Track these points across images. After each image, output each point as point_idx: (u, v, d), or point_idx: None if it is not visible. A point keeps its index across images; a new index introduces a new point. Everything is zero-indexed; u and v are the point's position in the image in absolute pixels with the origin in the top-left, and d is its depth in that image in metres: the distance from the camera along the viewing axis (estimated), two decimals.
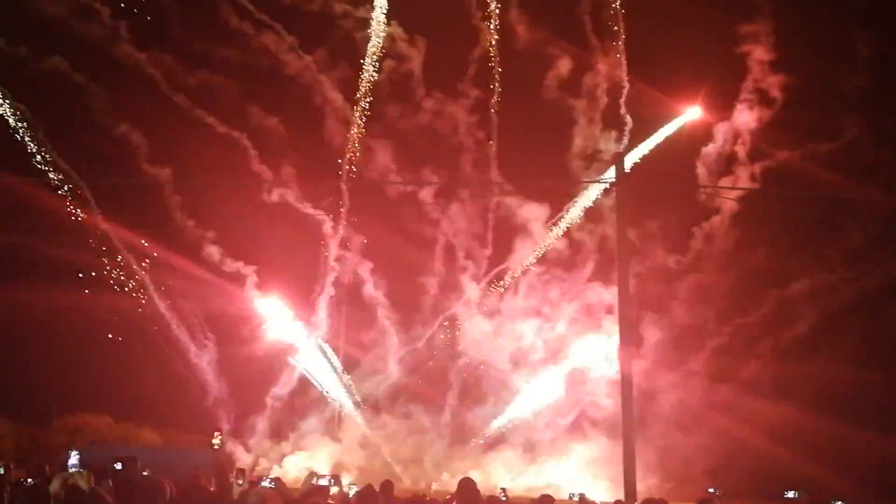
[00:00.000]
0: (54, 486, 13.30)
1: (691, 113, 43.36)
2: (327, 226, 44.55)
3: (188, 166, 43.96)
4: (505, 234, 45.24)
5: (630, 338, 24.17)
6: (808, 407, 40.29)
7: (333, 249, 44.73)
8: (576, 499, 33.86)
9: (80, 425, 43.85)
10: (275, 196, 43.43)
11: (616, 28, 44.13)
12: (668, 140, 44.57)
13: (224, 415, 43.56)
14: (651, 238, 43.90)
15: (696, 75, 43.50)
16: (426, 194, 44.50)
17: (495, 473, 42.55)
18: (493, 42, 44.59)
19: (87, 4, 41.09)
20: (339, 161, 44.94)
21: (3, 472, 21.05)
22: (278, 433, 44.76)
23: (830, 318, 42.75)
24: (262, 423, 44.25)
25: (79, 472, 14.36)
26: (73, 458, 27.04)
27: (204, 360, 43.41)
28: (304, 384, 45.14)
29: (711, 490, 33.26)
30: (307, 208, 44.21)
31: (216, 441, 36.97)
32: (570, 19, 44.35)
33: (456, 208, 45.13)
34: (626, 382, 23.43)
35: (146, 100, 42.09)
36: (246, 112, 43.60)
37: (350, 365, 45.23)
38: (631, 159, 41.66)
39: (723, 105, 44.44)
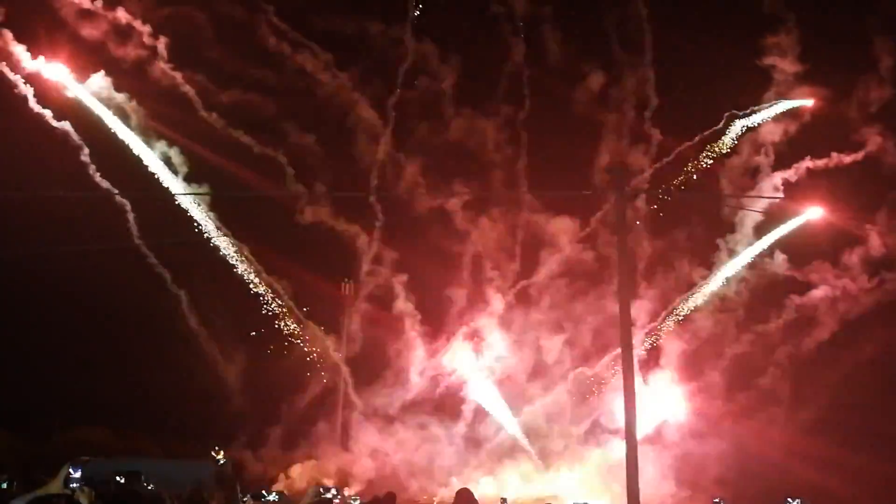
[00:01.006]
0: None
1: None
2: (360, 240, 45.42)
3: (225, 183, 44.57)
4: (532, 248, 45.99)
5: (630, 344, 24.72)
6: (824, 415, 40.59)
7: (366, 264, 45.69)
8: None
9: (83, 439, 44.55)
10: (309, 213, 44.45)
11: (643, 43, 44.82)
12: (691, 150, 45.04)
13: (241, 426, 44.59)
14: (675, 250, 44.50)
15: (722, 88, 44.38)
16: (456, 207, 45.15)
17: (508, 481, 42.99)
18: (523, 58, 45.47)
19: (125, 25, 42.45)
20: (371, 177, 45.73)
21: (5, 486, 21.63)
22: (291, 442, 45.21)
23: (850, 326, 43.05)
24: (276, 433, 44.92)
25: (80, 488, 14.87)
26: (76, 473, 27.68)
27: (231, 372, 43.90)
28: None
29: (717, 500, 33.64)
30: (341, 224, 45.25)
31: (220, 458, 37.39)
32: (598, 35, 45.57)
33: (484, 222, 45.70)
34: (628, 389, 24.03)
35: (182, 118, 43.29)
36: (282, 130, 44.77)
37: (370, 376, 45.65)
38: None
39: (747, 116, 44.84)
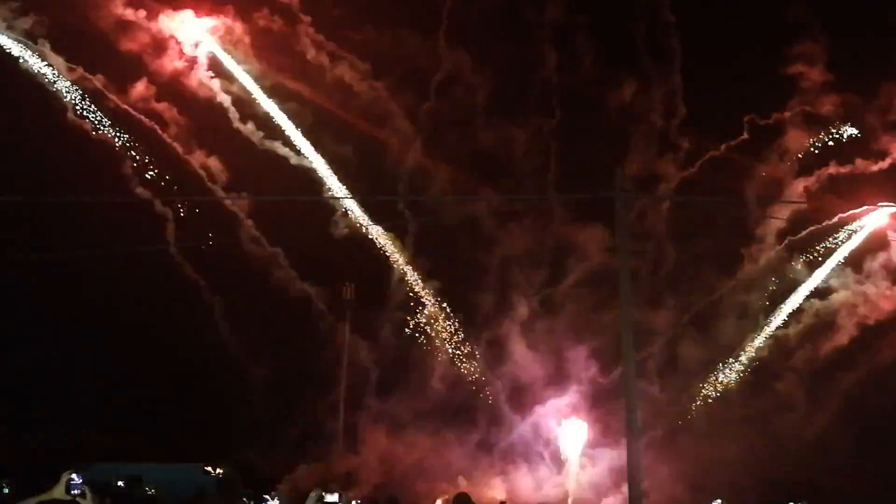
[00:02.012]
0: None
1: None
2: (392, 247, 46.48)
3: (261, 192, 46.18)
4: (561, 256, 46.87)
5: (631, 345, 25.31)
6: (839, 420, 41.33)
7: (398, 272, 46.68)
8: None
9: (86, 443, 45.56)
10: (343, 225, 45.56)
11: (671, 51, 45.51)
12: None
13: (258, 430, 45.78)
14: (697, 257, 45.18)
15: (747, 96, 45.05)
16: (484, 215, 46.34)
17: (520, 483, 43.79)
18: (555, 67, 46.33)
19: (164, 36, 43.63)
20: (402, 185, 46.66)
21: (6, 490, 22.34)
22: (303, 444, 46.24)
23: (869, 330, 43.71)
24: (291, 434, 46.09)
25: (82, 493, 15.51)
26: (77, 479, 28.47)
27: (256, 377, 45.36)
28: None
29: (718, 502, 34.18)
30: (375, 233, 46.32)
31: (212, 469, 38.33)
32: (628, 43, 46.12)
33: (513, 229, 46.83)
34: (628, 390, 24.61)
35: (220, 128, 44.45)
36: (318, 141, 45.56)
37: (390, 383, 46.74)
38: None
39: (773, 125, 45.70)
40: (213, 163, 44.62)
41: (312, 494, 22.46)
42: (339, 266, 46.37)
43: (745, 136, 45.56)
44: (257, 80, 44.77)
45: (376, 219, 46.13)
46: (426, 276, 46.84)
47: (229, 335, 45.14)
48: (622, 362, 25.30)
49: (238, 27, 44.53)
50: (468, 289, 46.83)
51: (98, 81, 43.16)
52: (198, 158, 44.69)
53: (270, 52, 45.05)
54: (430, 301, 46.58)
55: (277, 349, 45.65)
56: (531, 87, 47.18)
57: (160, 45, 43.78)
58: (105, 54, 43.18)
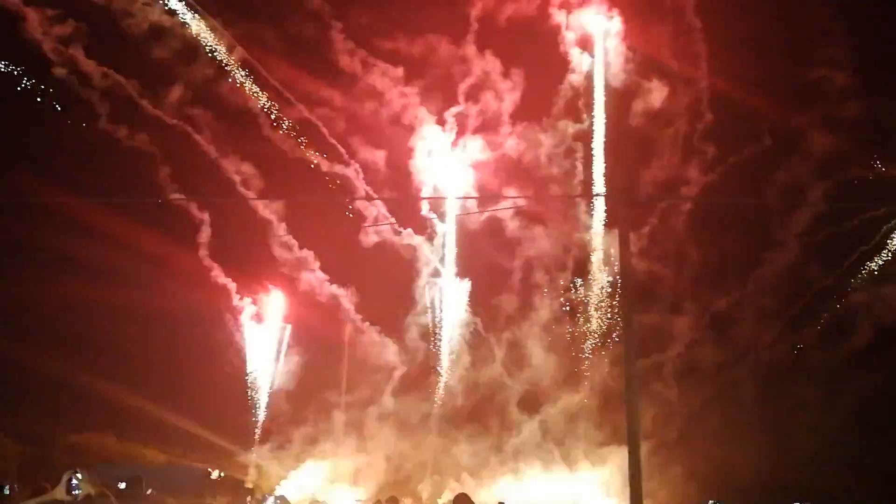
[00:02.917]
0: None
1: None
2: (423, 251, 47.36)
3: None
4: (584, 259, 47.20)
5: (634, 346, 25.76)
6: (853, 422, 41.78)
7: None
8: None
9: (85, 445, 46.25)
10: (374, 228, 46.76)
11: (697, 56, 45.97)
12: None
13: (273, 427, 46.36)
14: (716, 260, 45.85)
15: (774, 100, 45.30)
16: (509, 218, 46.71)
17: (529, 482, 44.38)
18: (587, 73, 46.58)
19: (196, 42, 44.66)
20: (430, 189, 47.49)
21: (8, 492, 22.95)
22: (312, 441, 46.90)
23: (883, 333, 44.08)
24: (301, 432, 46.61)
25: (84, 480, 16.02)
26: (75, 481, 29.28)
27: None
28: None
29: (711, 503, 34.53)
30: (406, 237, 47.20)
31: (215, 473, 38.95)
32: (654, 48, 46.24)
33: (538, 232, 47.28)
34: (630, 390, 25.05)
35: (253, 134, 45.78)
36: (350, 147, 46.78)
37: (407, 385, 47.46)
38: None
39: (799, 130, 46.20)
40: (246, 168, 45.73)
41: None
42: (367, 270, 47.25)
43: (769, 141, 45.96)
44: (289, 85, 45.79)
45: (404, 223, 47.19)
46: (451, 279, 47.40)
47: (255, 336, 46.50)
48: (624, 365, 25.71)
49: (270, 33, 45.74)
50: (491, 291, 47.49)
51: (132, 87, 44.44)
52: (231, 164, 45.81)
53: (302, 57, 46.23)
54: (454, 304, 47.13)
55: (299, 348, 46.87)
56: (558, 91, 47.32)
57: (193, 50, 44.83)
58: (139, 60, 44.44)
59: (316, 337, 47.46)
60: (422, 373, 47.16)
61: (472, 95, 47.20)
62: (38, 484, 24.33)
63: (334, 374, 47.32)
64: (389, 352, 47.17)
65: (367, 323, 47.35)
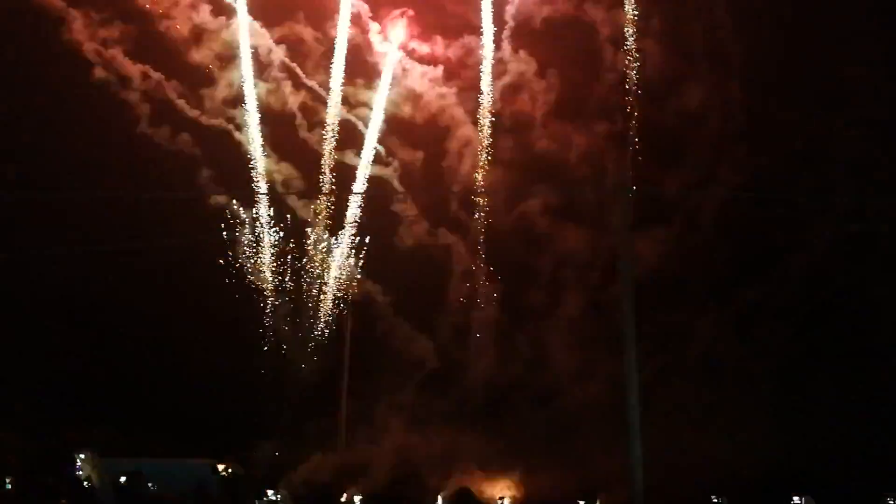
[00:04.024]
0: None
1: None
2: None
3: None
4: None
5: (633, 344, 26.30)
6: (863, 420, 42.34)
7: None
8: None
9: (90, 439, 46.81)
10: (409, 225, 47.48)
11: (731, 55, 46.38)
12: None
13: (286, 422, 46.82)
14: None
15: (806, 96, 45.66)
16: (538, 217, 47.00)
17: (540, 476, 45.01)
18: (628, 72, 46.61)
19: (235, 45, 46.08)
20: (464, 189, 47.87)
21: (9, 487, 23.51)
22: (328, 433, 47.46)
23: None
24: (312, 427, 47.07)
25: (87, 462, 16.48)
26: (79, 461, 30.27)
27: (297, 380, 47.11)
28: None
29: (716, 500, 35.00)
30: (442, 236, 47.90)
31: (221, 467, 39.59)
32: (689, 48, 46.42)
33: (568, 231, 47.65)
34: (630, 389, 25.63)
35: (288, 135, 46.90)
36: (387, 147, 47.63)
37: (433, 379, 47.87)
38: None
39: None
40: (285, 169, 46.80)
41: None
42: (403, 267, 47.37)
43: (800, 143, 46.39)
44: (328, 87, 46.50)
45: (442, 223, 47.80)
46: (482, 278, 47.67)
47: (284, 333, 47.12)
48: (623, 361, 26.28)
49: (309, 34, 46.55)
50: (520, 289, 47.37)
51: (172, 89, 45.66)
52: (270, 165, 46.77)
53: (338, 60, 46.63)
54: (485, 302, 47.56)
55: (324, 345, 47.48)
56: (592, 91, 47.58)
57: (233, 53, 45.94)
58: (178, 63, 45.72)
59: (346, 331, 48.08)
60: (448, 368, 47.37)
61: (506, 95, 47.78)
62: (40, 479, 24.94)
63: (362, 366, 47.81)
64: (419, 347, 47.44)
65: (401, 318, 47.64)
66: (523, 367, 46.62)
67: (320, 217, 46.76)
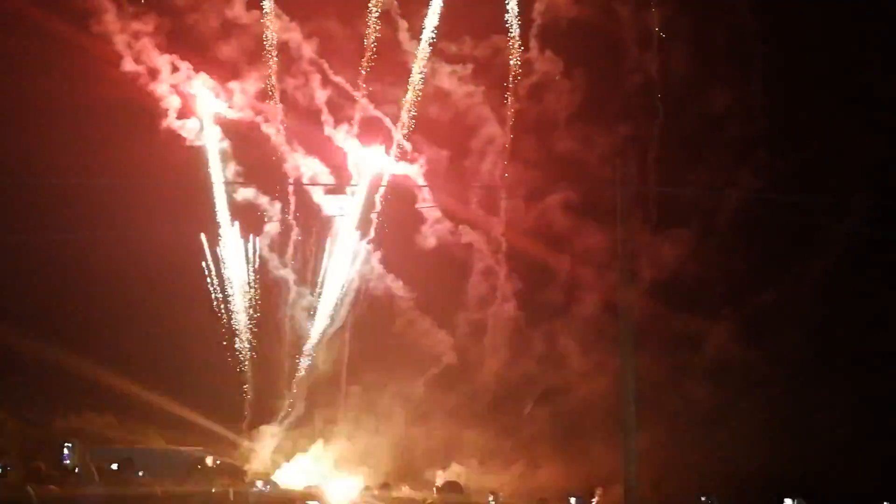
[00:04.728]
0: None
1: None
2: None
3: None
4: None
5: (630, 340, 26.39)
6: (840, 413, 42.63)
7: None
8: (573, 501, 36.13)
9: (86, 425, 47.43)
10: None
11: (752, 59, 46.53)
12: None
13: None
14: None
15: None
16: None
17: (540, 470, 45.31)
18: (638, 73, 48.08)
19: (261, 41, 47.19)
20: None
21: (1, 471, 23.83)
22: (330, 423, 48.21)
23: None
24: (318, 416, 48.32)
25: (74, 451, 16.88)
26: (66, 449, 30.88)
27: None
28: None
29: (703, 499, 35.10)
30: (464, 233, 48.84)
31: (209, 459, 40.01)
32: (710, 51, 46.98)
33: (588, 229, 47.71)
34: (624, 386, 25.73)
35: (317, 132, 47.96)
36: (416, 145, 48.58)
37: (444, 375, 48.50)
38: None
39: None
40: (312, 165, 47.97)
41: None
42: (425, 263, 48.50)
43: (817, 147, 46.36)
44: (356, 84, 47.58)
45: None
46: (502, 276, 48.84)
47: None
48: (620, 358, 26.36)
49: (338, 30, 47.47)
50: (537, 287, 48.41)
51: (202, 82, 46.78)
52: (296, 161, 48.00)
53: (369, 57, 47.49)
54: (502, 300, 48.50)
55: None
56: (614, 93, 48.63)
57: (259, 47, 47.06)
58: (206, 56, 46.88)
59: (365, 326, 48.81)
60: (460, 363, 48.16)
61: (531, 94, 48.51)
62: (33, 464, 25.26)
63: (375, 359, 48.30)
64: (435, 341, 48.22)
65: (420, 313, 48.41)
66: (534, 364, 47.43)
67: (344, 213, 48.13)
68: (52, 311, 46.59)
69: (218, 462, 38.89)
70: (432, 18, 46.85)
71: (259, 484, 27.59)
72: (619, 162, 27.57)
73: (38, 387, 46.03)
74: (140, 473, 22.81)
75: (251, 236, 47.68)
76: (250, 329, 47.84)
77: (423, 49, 47.33)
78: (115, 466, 21.60)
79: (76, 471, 18.00)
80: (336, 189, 48.88)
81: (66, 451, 31.34)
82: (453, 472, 44.02)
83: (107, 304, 47.15)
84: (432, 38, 47.12)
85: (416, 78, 47.46)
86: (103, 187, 42.61)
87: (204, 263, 47.24)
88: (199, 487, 19.42)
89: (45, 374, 45.65)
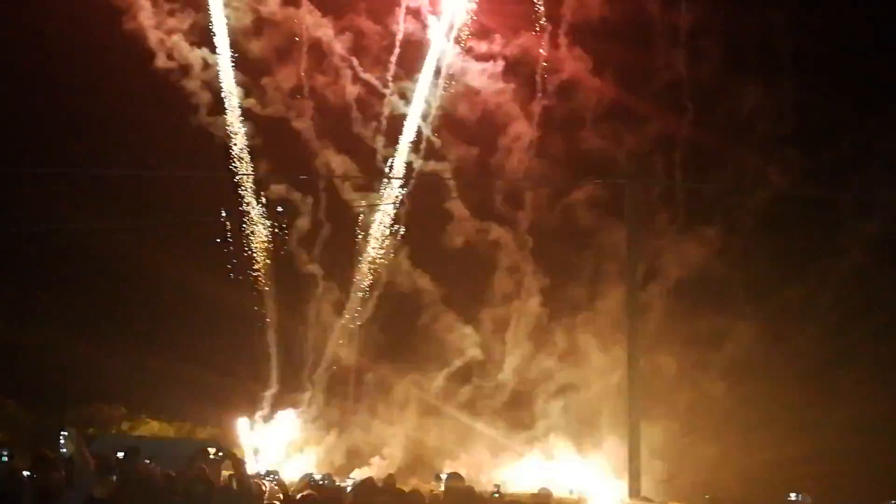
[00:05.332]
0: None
1: None
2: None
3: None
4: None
5: (637, 334, 26.56)
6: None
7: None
8: (574, 495, 36.38)
9: (96, 415, 48.13)
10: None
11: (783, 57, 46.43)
12: None
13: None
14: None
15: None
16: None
17: (551, 464, 45.55)
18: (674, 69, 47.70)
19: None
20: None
21: (6, 459, 24.05)
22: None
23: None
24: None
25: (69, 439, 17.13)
26: (62, 438, 31.34)
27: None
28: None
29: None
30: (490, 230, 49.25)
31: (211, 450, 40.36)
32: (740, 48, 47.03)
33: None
34: (633, 381, 25.92)
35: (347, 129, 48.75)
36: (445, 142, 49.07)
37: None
38: None
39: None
40: (342, 162, 48.76)
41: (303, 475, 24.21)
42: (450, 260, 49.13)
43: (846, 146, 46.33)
44: (386, 81, 48.28)
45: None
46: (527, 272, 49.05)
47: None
48: (627, 352, 26.55)
49: (370, 28, 47.86)
50: (561, 284, 48.61)
51: (235, 78, 47.22)
52: (325, 157, 48.77)
53: (398, 55, 48.22)
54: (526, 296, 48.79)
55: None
56: (643, 90, 48.49)
57: (293, 44, 47.85)
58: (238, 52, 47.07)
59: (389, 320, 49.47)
60: (481, 358, 48.58)
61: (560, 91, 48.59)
62: (39, 451, 25.52)
63: (397, 353, 49.18)
64: (458, 337, 48.55)
65: (444, 308, 48.86)
66: (554, 359, 47.63)
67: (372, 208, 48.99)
68: (71, 304, 47.57)
69: (220, 453, 39.19)
70: (460, 15, 47.41)
71: (263, 475, 27.92)
72: (627, 159, 27.61)
73: (48, 376, 46.69)
74: (147, 461, 22.95)
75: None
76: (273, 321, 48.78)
77: (452, 46, 47.93)
78: (121, 455, 21.69)
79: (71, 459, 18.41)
80: (365, 185, 49.75)
81: (61, 439, 31.98)
82: (463, 463, 44.61)
83: (127, 296, 48.19)
84: (462, 35, 47.66)
85: (443, 74, 48.08)
86: (128, 178, 45.08)
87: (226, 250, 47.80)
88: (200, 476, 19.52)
89: (56, 363, 46.42)
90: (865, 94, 46.90)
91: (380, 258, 48.70)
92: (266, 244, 48.07)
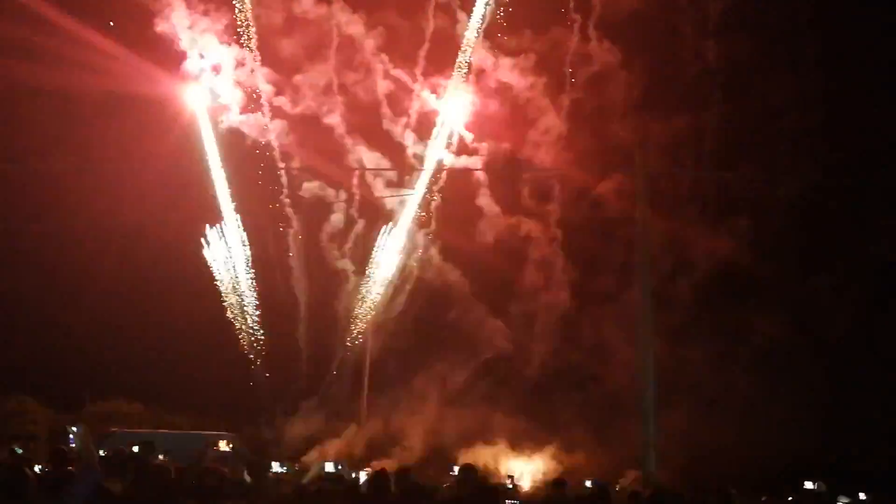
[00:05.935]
0: None
1: None
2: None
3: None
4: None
5: (648, 326, 26.73)
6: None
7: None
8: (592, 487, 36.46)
9: (114, 411, 48.70)
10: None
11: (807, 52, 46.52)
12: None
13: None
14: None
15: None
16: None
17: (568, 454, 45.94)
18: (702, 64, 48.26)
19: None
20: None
21: (20, 451, 24.58)
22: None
23: None
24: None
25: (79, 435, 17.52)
26: (71, 434, 31.97)
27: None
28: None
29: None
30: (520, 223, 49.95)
31: (223, 445, 40.82)
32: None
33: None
34: (644, 372, 26.09)
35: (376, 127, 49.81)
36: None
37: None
38: None
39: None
40: (373, 158, 49.86)
41: (315, 466, 24.59)
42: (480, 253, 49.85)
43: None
44: (416, 77, 49.20)
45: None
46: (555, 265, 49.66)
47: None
48: (638, 345, 26.71)
49: (400, 24, 48.98)
50: (589, 277, 49.02)
51: (265, 78, 48.66)
52: (355, 156, 49.99)
53: (428, 50, 49.18)
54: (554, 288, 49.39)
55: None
56: (671, 84, 49.09)
57: (322, 43, 48.91)
58: (268, 51, 48.53)
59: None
60: (508, 351, 49.44)
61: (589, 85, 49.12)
62: (56, 447, 25.99)
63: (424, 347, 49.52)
64: (487, 330, 49.42)
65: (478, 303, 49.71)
66: (579, 352, 48.00)
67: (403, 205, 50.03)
68: (93, 303, 47.81)
69: (231, 446, 39.80)
70: (487, 10, 48.10)
71: (276, 468, 28.38)
72: (639, 151, 27.75)
73: (66, 373, 47.24)
74: (161, 457, 23.37)
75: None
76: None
77: (481, 41, 48.72)
78: (136, 449, 22.11)
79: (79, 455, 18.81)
80: (396, 181, 50.57)
81: (71, 435, 32.59)
82: (479, 453, 45.10)
83: (142, 294, 48.71)
84: (489, 30, 48.50)
85: (472, 69, 48.98)
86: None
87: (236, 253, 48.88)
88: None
89: (74, 359, 46.97)
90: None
91: (410, 252, 49.90)
92: (299, 239, 48.87)
